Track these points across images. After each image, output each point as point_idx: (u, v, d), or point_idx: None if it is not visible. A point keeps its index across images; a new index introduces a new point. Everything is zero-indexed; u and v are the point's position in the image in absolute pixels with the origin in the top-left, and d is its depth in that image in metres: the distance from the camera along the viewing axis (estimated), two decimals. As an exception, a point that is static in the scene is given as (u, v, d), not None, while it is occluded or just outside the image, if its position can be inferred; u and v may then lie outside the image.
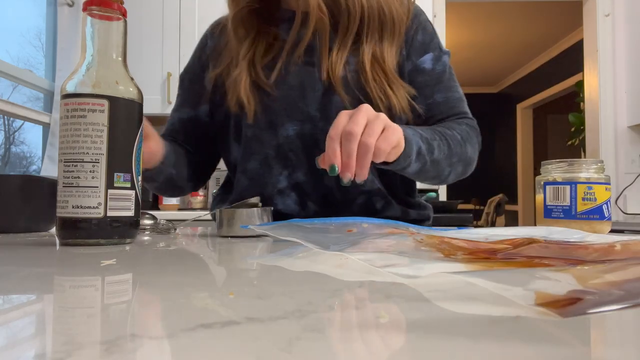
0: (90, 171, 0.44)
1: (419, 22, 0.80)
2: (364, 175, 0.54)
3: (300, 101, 0.74)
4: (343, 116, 0.55)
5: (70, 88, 0.47)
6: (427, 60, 0.79)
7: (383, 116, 0.56)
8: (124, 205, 0.46)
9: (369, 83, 0.72)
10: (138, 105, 0.49)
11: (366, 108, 0.55)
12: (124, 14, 0.50)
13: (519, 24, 4.26)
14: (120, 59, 0.50)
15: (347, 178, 0.53)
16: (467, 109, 0.81)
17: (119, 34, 0.50)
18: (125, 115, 0.47)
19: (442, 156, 0.69)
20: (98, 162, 0.44)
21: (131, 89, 0.49)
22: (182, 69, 0.89)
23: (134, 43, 2.18)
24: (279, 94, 0.75)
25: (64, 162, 0.45)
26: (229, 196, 0.82)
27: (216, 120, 0.83)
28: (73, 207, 0.44)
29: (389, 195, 0.78)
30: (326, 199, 0.76)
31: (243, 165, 0.79)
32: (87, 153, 0.44)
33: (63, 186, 0.45)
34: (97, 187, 0.44)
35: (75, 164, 0.44)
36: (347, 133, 0.52)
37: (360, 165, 0.53)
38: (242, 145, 0.79)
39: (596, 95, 2.47)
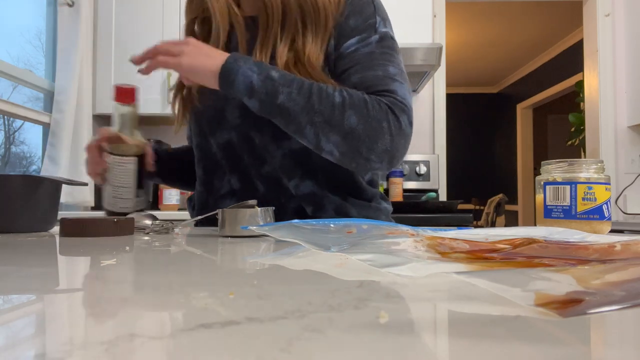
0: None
1: (352, 6, 0.74)
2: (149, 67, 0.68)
3: (226, 109, 0.75)
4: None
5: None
6: (351, 45, 0.72)
7: (191, 46, 0.66)
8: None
9: None
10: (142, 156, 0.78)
11: (188, 41, 0.66)
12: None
13: (519, 24, 4.27)
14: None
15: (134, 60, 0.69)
16: (393, 86, 0.68)
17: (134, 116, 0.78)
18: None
19: (295, 107, 0.63)
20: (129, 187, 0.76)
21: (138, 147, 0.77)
22: None
23: (134, 43, 2.18)
24: (208, 104, 0.78)
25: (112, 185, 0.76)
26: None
27: None
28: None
29: (323, 199, 0.76)
30: (262, 205, 0.75)
31: (197, 172, 0.84)
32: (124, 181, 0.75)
33: (113, 197, 0.75)
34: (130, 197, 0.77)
35: (117, 187, 0.75)
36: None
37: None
38: (195, 153, 0.85)
39: (596, 95, 2.47)
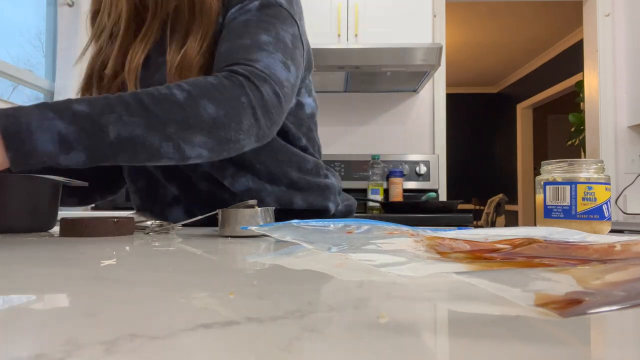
0: None
1: None
2: None
3: None
4: None
5: None
6: (230, 15, 0.66)
7: None
8: None
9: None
10: None
11: None
12: None
13: (519, 24, 4.27)
14: None
15: None
16: (256, 55, 0.61)
17: None
18: None
19: (139, 131, 0.51)
20: None
21: None
22: None
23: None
24: None
25: None
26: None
27: None
28: None
29: (260, 192, 0.74)
30: (207, 204, 0.74)
31: (135, 185, 0.79)
32: None
33: None
34: None
35: None
36: None
37: None
38: (127, 165, 0.79)
39: (596, 95, 2.47)
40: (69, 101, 0.49)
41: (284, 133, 0.77)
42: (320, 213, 0.78)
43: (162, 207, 0.78)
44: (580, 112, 3.22)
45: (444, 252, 0.33)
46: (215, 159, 0.60)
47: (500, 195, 4.66)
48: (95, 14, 0.77)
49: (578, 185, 0.59)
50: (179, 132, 0.53)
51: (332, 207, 0.79)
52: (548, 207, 0.61)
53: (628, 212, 2.35)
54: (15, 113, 0.46)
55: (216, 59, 0.64)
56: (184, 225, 0.70)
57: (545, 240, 0.35)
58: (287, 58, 0.64)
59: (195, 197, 0.75)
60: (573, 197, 0.59)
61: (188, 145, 0.55)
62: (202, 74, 0.66)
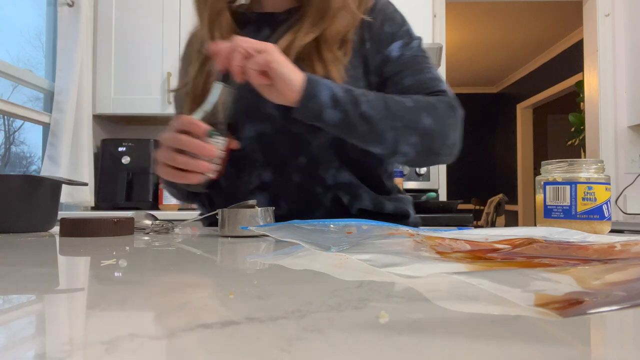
0: None
1: (384, 14, 0.79)
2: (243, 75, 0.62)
3: (258, 101, 0.70)
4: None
5: None
6: (394, 49, 0.78)
7: (276, 51, 0.61)
8: None
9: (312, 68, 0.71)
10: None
11: (272, 47, 0.62)
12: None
13: (519, 24, 4.26)
14: None
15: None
16: (444, 87, 0.78)
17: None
18: None
19: (378, 115, 0.66)
20: None
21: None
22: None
23: (134, 43, 2.18)
24: (238, 96, 0.72)
25: None
26: (212, 200, 0.83)
27: None
28: None
29: (359, 189, 0.77)
30: (297, 196, 0.75)
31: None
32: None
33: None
34: None
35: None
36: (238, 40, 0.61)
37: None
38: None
39: (596, 95, 2.47)
40: (334, 82, 0.67)
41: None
42: (405, 218, 0.84)
43: (245, 194, 0.77)
44: (580, 112, 3.22)
45: (444, 252, 0.33)
46: (415, 164, 0.74)
47: (500, 195, 4.65)
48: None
49: (578, 185, 0.59)
50: (402, 128, 0.67)
51: (412, 213, 0.86)
52: (548, 207, 0.61)
53: (628, 212, 2.35)
54: (329, 81, 0.65)
55: (404, 90, 0.76)
56: (184, 225, 0.70)
57: (545, 240, 0.35)
58: None
59: (284, 188, 0.76)
60: (573, 197, 0.59)
61: (403, 142, 0.68)
62: (339, 53, 0.74)
